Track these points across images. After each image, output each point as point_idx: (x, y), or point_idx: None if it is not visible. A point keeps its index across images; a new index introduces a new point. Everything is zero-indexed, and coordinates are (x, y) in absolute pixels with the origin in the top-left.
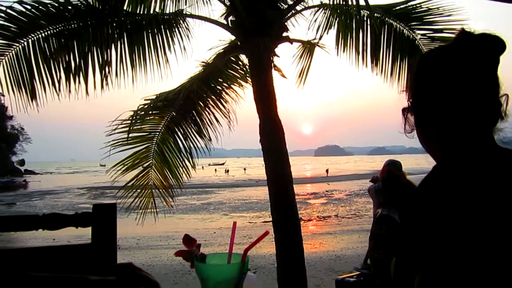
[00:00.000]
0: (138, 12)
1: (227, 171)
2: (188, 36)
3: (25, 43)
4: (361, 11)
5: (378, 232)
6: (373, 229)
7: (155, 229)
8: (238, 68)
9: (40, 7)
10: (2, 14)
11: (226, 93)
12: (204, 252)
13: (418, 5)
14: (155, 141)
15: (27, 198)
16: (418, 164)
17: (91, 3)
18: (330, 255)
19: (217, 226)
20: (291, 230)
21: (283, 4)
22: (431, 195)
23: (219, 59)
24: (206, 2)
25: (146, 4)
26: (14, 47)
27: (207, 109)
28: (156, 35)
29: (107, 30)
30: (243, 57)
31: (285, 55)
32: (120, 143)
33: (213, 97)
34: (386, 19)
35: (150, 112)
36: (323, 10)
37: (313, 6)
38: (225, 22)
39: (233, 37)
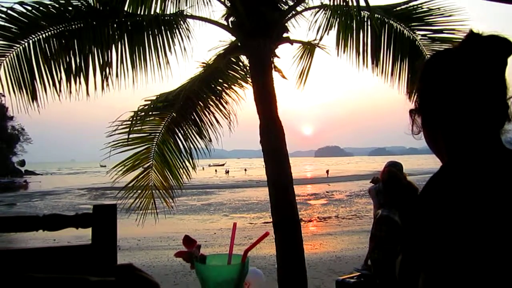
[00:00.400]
0: (138, 13)
1: (227, 172)
2: (188, 37)
3: (26, 43)
4: (362, 11)
5: (379, 233)
6: (374, 230)
7: (155, 230)
8: (239, 69)
9: (41, 8)
10: (3, 15)
11: (227, 94)
12: (204, 253)
13: (418, 6)
14: (155, 142)
15: (28, 199)
16: (418, 165)
17: (92, 4)
18: (330, 256)
19: (218, 227)
20: (291, 231)
21: (283, 5)
22: (437, 195)
23: (220, 60)
24: (207, 3)
25: (146, 5)
26: (15, 47)
27: (207, 110)
28: (157, 36)
29: (108, 31)
30: (243, 58)
31: (285, 56)
32: (120, 144)
33: (213, 98)
34: (387, 19)
35: (151, 113)
36: (324, 11)
37: (314, 7)
38: (226, 23)
39: (233, 38)
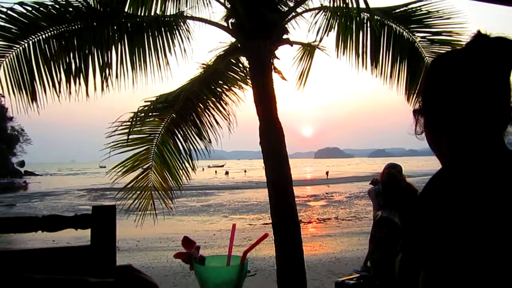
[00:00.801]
0: (138, 14)
1: (227, 173)
2: (188, 38)
3: (26, 44)
4: (361, 13)
5: (378, 235)
6: (373, 232)
7: (154, 231)
8: (239, 70)
9: (41, 8)
10: (3, 15)
11: (226, 95)
12: (204, 254)
13: (418, 8)
14: (155, 143)
15: (27, 200)
16: (418, 166)
17: (92, 4)
18: (330, 258)
19: (217, 228)
20: (291, 232)
21: (283, 7)
22: (438, 194)
23: (220, 61)
24: (207, 4)
25: (146, 6)
26: (15, 48)
27: (207, 111)
28: (157, 37)
29: (108, 31)
30: (243, 59)
31: (285, 57)
32: (120, 144)
33: (213, 99)
34: (386, 21)
35: (150, 114)
36: (323, 12)
37: (314, 9)
38: (226, 24)
39: (233, 39)
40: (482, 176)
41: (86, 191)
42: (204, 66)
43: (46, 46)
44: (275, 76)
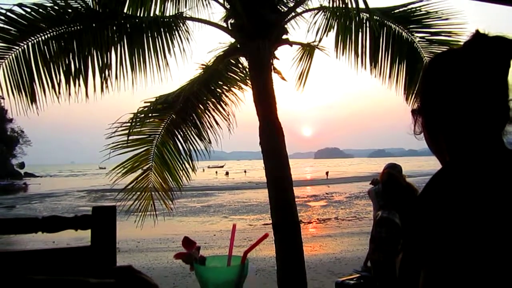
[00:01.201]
0: (138, 15)
1: (227, 174)
2: (188, 39)
3: (25, 46)
4: (361, 13)
5: (379, 235)
6: (373, 232)
7: (154, 231)
8: (238, 70)
9: (40, 10)
10: (2, 17)
11: (226, 96)
12: (204, 254)
13: (417, 8)
14: (155, 144)
15: (27, 201)
16: (417, 166)
17: (91, 6)
18: (330, 258)
19: (217, 228)
20: (291, 232)
21: (283, 7)
22: (439, 193)
23: (219, 62)
24: (206, 5)
25: (146, 7)
26: (14, 50)
27: (207, 111)
28: (156, 38)
29: (107, 33)
30: (243, 60)
31: (284, 58)
32: (120, 145)
33: (213, 99)
34: (385, 21)
35: (150, 115)
36: (323, 13)
37: (313, 9)
38: (225, 25)
39: (233, 40)
40: (482, 176)
41: (86, 192)
42: (204, 66)
43: (45, 47)
44: (274, 76)
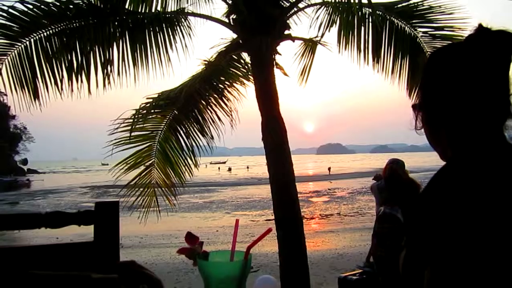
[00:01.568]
0: (139, 10)
1: (229, 169)
2: (190, 35)
3: (27, 42)
4: (363, 8)
5: (381, 230)
6: (376, 227)
7: (157, 227)
8: (240, 66)
9: (42, 6)
10: (4, 14)
11: (228, 92)
12: (207, 250)
13: (419, 3)
14: (157, 140)
15: (30, 197)
16: (420, 162)
17: (93, 2)
18: (332, 253)
19: (220, 224)
20: (293, 228)
21: (285, 2)
22: (443, 190)
23: (221, 58)
24: (208, 0)
25: (147, 3)
26: (17, 46)
27: (209, 107)
28: (158, 34)
29: (109, 29)
30: (245, 55)
31: (287, 53)
32: (122, 142)
33: (215, 95)
34: (388, 16)
35: (152, 111)
36: (325, 8)
37: (315, 4)
38: (227, 21)
39: (235, 36)
40: (486, 172)
41: (88, 189)
42: (206, 62)
43: (47, 44)
44: (277, 72)
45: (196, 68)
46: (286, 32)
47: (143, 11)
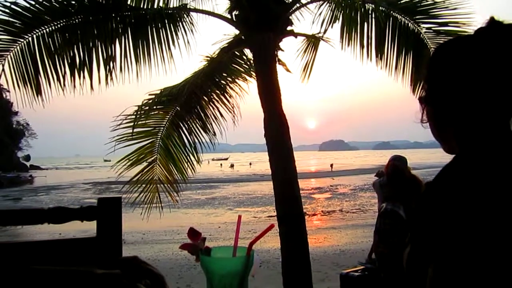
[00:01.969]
0: (142, 6)
1: (232, 166)
2: (192, 31)
3: (30, 38)
4: (366, 4)
5: (383, 227)
6: (378, 224)
7: (160, 223)
8: (243, 62)
9: (44, 2)
10: (7, 10)
11: (231, 88)
12: (209, 246)
13: None
14: (159, 136)
15: (33, 193)
16: (423, 159)
17: None
18: (334, 250)
19: (222, 220)
20: (295, 224)
21: None
22: (449, 186)
23: (224, 54)
24: None
25: None
26: (19, 42)
27: (211, 103)
28: (160, 30)
29: (111, 25)
30: (247, 52)
31: (289, 49)
32: (124, 138)
33: (217, 91)
34: (391, 12)
35: (155, 107)
36: (328, 4)
37: (318, 0)
38: (230, 17)
39: (237, 32)
40: (493, 169)
41: (91, 185)
42: (208, 58)
43: (50, 40)
44: (279, 68)
45: (198, 64)
46: (289, 28)
47: (145, 7)
